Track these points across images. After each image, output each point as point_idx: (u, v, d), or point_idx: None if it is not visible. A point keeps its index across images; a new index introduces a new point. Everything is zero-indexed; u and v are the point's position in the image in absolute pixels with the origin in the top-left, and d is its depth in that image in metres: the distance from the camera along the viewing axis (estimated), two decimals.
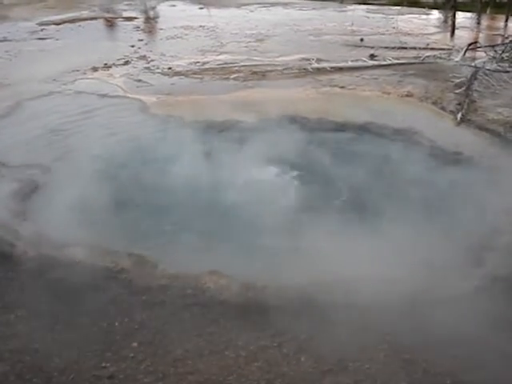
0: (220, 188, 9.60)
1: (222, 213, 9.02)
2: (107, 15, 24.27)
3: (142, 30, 22.24)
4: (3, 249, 7.82)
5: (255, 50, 18.27)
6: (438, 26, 22.28)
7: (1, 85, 14.84)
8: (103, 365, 5.95)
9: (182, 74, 15.73)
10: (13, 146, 11.00)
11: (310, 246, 7.64)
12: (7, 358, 6.08)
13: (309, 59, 16.60)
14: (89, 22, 23.45)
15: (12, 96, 13.68)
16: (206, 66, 16.37)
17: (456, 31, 20.22)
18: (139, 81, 15.26)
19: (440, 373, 5.82)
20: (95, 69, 16.25)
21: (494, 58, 15.52)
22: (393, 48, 17.95)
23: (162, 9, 25.62)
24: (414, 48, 17.91)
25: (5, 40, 20.17)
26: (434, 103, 13.28)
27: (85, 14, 24.79)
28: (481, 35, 20.27)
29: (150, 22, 23.72)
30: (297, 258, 7.57)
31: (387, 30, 21.00)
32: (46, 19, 23.52)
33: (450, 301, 6.71)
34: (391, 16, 23.52)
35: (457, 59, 16.42)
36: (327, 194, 9.69)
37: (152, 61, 17.18)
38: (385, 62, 16.40)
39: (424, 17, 24.02)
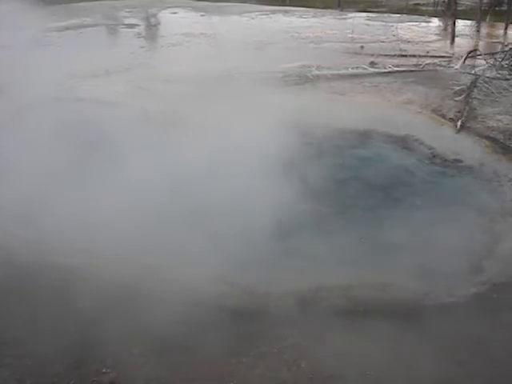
0: None
1: None
2: (109, 22, 24.40)
3: (143, 37, 22.33)
4: None
5: (256, 57, 18.33)
6: (437, 34, 22.39)
7: (1, 92, 14.85)
8: (104, 370, 5.98)
9: (183, 81, 15.77)
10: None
11: None
12: (8, 363, 6.09)
13: (309, 66, 16.67)
14: (91, 29, 23.56)
15: (12, 103, 13.69)
16: (207, 74, 16.41)
17: (456, 39, 20.31)
18: (140, 87, 15.30)
19: None
20: (96, 75, 16.30)
21: (494, 65, 15.61)
22: (393, 55, 18.04)
23: (163, 16, 25.76)
24: (414, 55, 18.01)
25: (6, 47, 20.21)
26: (434, 111, 13.35)
27: (87, 21, 24.91)
28: (480, 43, 20.36)
29: (151, 29, 23.84)
30: None
31: (387, 38, 21.10)
32: (48, 26, 23.59)
33: None
34: (391, 24, 23.63)
35: (457, 67, 16.50)
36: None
37: (153, 68, 17.25)
38: (385, 70, 16.48)
39: (424, 24, 24.12)
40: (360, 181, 10.34)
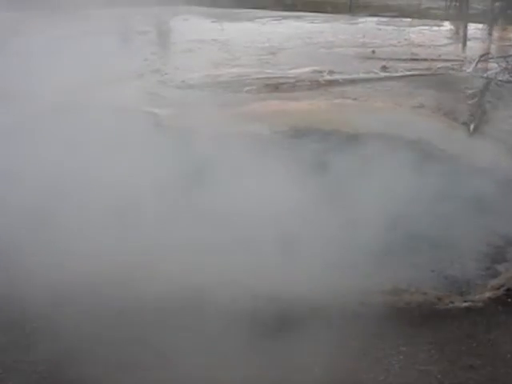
0: None
1: None
2: (120, 28, 24.53)
3: (154, 43, 22.44)
4: None
5: (267, 62, 18.38)
6: (449, 38, 22.29)
7: (13, 98, 14.97)
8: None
9: (196, 87, 15.86)
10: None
11: None
12: (23, 368, 6.14)
13: (321, 71, 16.69)
14: (101, 35, 23.67)
15: (22, 110, 13.79)
16: (220, 79, 16.49)
17: (468, 42, 20.23)
18: (153, 94, 15.39)
19: None
20: (108, 82, 16.37)
21: (507, 68, 15.48)
22: (404, 60, 18.01)
23: (175, 22, 25.86)
24: (426, 59, 17.97)
25: (18, 53, 20.38)
26: (446, 114, 13.30)
27: (97, 27, 25.03)
28: (493, 46, 20.22)
29: (163, 35, 23.95)
30: None
31: (399, 42, 21.06)
32: (58, 32, 23.74)
33: None
34: (402, 28, 23.59)
35: (469, 70, 16.45)
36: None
37: (165, 74, 17.33)
38: (396, 74, 16.47)
39: (435, 28, 24.05)
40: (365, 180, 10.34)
